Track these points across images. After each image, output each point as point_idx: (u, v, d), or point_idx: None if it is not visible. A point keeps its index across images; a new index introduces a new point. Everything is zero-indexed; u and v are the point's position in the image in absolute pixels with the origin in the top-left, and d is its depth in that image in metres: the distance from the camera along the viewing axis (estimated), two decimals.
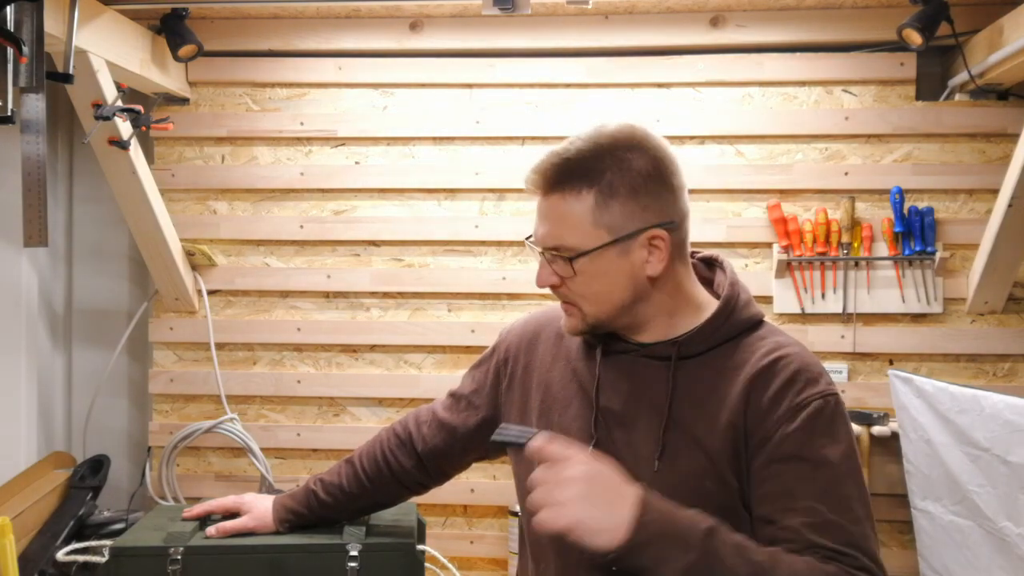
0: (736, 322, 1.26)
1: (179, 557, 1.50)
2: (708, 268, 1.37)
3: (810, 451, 1.15)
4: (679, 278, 1.27)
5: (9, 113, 1.58)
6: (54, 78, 1.76)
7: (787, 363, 1.20)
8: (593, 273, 1.22)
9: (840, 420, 1.18)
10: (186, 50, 2.17)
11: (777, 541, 1.12)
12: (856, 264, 2.26)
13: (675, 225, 1.23)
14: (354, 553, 1.51)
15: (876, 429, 2.17)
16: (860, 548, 1.11)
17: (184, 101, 2.39)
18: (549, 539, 1.31)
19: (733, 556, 1.06)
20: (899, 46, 2.12)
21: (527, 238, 1.29)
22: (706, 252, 1.38)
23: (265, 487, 2.31)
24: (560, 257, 1.22)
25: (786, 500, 1.14)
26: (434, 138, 2.36)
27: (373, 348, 2.39)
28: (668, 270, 1.24)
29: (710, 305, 1.29)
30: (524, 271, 2.31)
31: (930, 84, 2.29)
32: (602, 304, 1.24)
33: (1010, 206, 2.00)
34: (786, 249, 2.25)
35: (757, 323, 1.28)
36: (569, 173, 1.20)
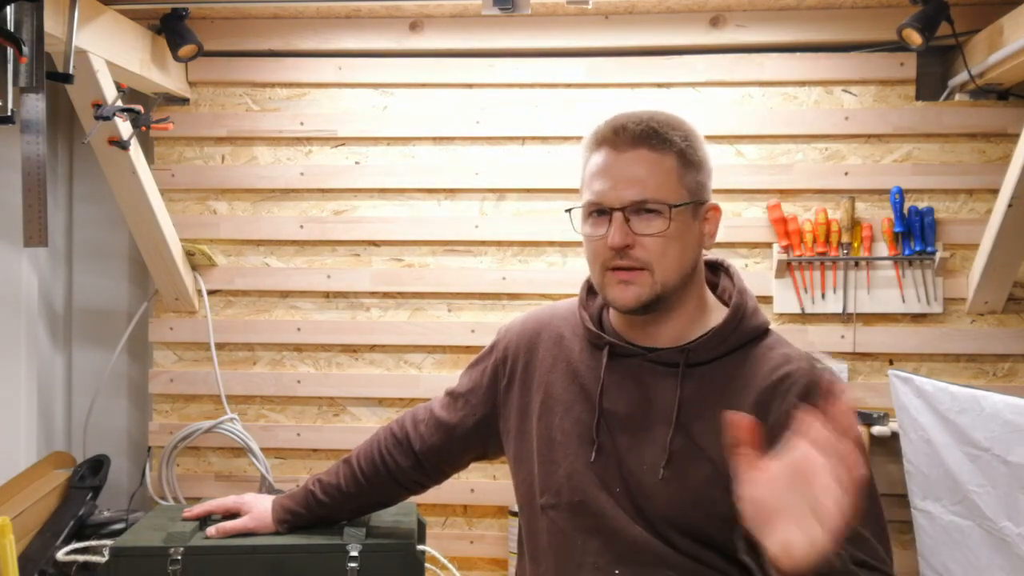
0: (744, 331, 1.26)
1: (179, 557, 1.50)
2: (712, 272, 1.37)
3: None
4: (700, 270, 1.29)
5: (9, 113, 1.57)
6: (54, 78, 1.75)
7: (798, 377, 1.21)
8: (675, 233, 1.21)
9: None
10: (186, 50, 2.17)
11: None
12: (856, 264, 2.26)
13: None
14: (354, 554, 1.51)
15: (876, 429, 2.17)
16: (887, 563, 1.15)
17: (184, 101, 2.39)
18: (549, 540, 1.31)
19: None
20: (899, 46, 2.12)
21: (569, 209, 1.29)
22: (709, 256, 1.38)
23: (265, 487, 2.31)
24: (650, 211, 1.21)
25: None
26: (434, 138, 2.35)
27: (373, 348, 2.39)
28: (700, 259, 1.28)
29: (717, 310, 1.30)
30: (524, 271, 2.30)
31: (930, 84, 2.28)
32: (674, 268, 1.23)
33: (1010, 206, 2.00)
34: (786, 249, 2.25)
35: (764, 332, 1.28)
36: (655, 132, 1.22)
